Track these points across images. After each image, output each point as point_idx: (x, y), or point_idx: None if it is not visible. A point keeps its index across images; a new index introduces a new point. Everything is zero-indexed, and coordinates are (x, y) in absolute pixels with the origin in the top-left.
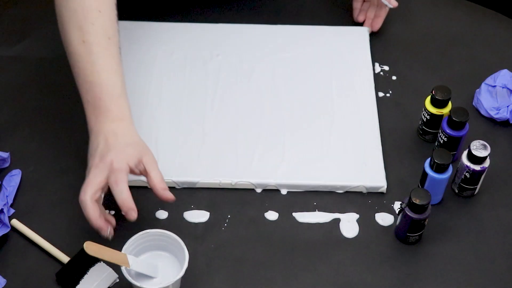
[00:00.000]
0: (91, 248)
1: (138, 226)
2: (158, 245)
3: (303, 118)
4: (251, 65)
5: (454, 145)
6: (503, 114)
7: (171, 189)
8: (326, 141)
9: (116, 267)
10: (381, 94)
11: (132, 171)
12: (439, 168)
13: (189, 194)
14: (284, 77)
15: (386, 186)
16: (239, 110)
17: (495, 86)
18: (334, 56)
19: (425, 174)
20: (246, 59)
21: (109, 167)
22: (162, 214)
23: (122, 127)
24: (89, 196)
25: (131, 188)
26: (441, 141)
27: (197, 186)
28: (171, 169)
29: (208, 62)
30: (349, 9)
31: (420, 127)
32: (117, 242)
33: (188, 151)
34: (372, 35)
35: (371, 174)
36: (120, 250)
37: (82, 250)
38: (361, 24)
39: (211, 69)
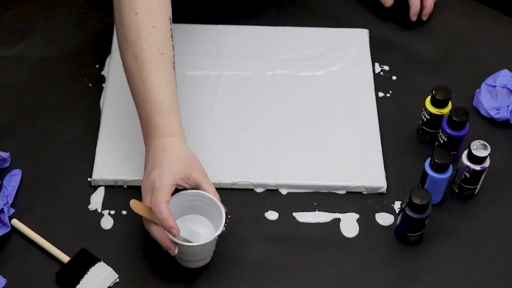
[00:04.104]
0: (136, 206)
1: (138, 226)
2: (194, 206)
3: (303, 118)
4: (252, 66)
5: (454, 145)
6: (503, 114)
7: None
8: (326, 141)
9: (115, 267)
10: (381, 94)
11: (181, 185)
12: (439, 168)
13: None
14: (285, 78)
15: (386, 187)
16: (240, 110)
17: (495, 86)
18: (334, 57)
19: (425, 174)
20: (247, 60)
21: (152, 187)
22: None
23: (170, 142)
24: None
25: (133, 188)
26: (441, 141)
27: None
28: None
29: (209, 63)
30: (349, 12)
31: (420, 127)
32: (121, 241)
33: None
34: (372, 35)
35: (371, 175)
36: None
37: (82, 250)
38: (363, 23)
39: (212, 69)
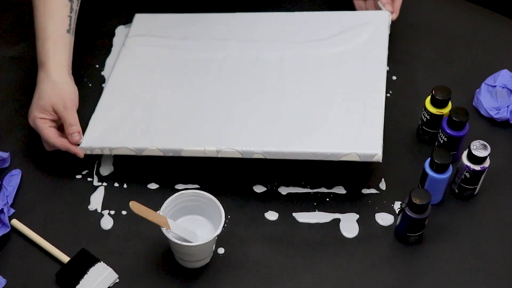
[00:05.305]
0: (135, 207)
1: (138, 226)
2: (193, 207)
3: (306, 93)
4: (260, 47)
5: (454, 145)
6: (503, 114)
7: (160, 157)
8: (325, 112)
9: (115, 267)
10: None
11: (47, 118)
12: (439, 168)
13: None
14: (293, 57)
15: (380, 154)
16: (243, 84)
17: (495, 86)
18: (350, 36)
19: (425, 174)
20: (256, 42)
21: (35, 127)
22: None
23: (41, 75)
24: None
25: (133, 188)
26: (441, 141)
27: (182, 154)
28: (157, 137)
29: (217, 45)
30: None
31: (420, 127)
32: (121, 242)
33: (177, 121)
34: None
35: (366, 143)
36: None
37: (82, 250)
38: None
39: (219, 51)
